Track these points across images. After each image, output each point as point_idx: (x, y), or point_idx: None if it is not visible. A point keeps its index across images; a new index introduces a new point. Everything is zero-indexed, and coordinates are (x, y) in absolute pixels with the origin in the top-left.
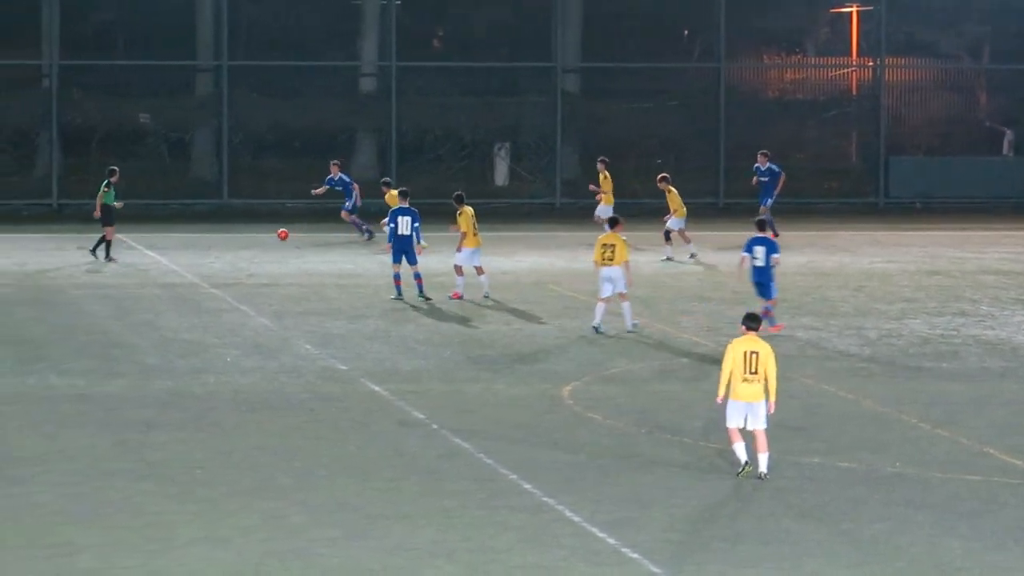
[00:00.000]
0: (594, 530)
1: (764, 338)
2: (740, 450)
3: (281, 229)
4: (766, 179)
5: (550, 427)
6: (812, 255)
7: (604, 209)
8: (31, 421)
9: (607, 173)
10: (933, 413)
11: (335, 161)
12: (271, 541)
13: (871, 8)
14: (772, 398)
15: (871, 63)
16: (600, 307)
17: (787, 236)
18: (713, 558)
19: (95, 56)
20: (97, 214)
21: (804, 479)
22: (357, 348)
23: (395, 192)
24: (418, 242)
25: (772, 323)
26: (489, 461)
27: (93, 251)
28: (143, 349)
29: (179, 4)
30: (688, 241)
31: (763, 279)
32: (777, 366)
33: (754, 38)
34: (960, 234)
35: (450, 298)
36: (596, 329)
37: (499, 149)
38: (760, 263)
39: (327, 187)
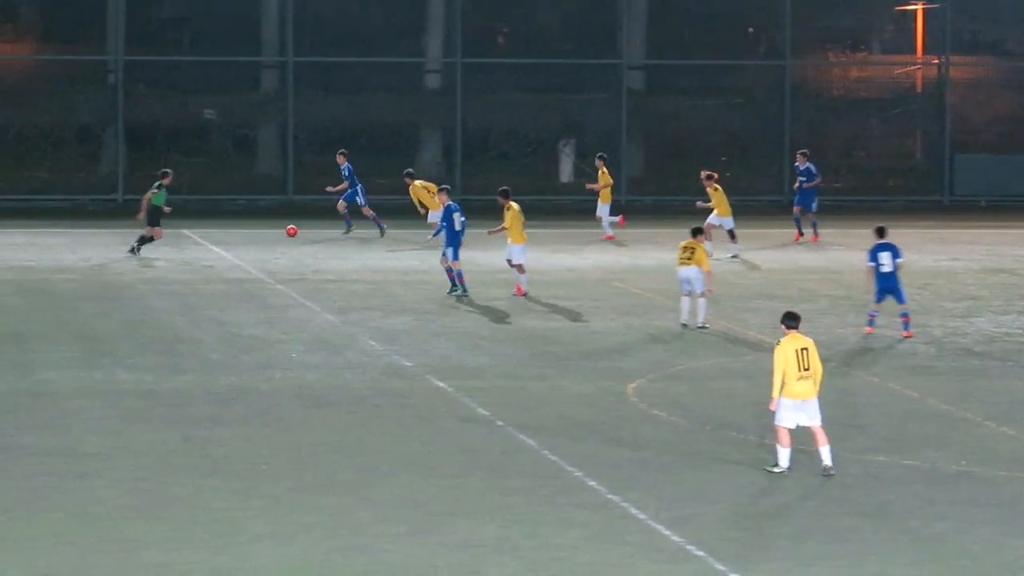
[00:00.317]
0: (658, 527)
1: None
2: (787, 456)
3: (290, 226)
4: (804, 179)
5: (615, 424)
6: None
7: (603, 207)
8: (97, 416)
9: (605, 170)
10: (998, 411)
11: (342, 151)
12: (335, 537)
13: (936, 6)
14: (817, 389)
15: (936, 61)
16: (684, 302)
17: (851, 234)
18: (776, 555)
19: (160, 52)
20: (141, 216)
21: (868, 477)
22: (422, 344)
23: (419, 184)
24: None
25: (907, 327)
26: (553, 458)
27: (134, 250)
28: (208, 345)
29: (244, 0)
30: (735, 240)
31: (891, 284)
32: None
33: (819, 36)
34: None
35: (514, 295)
36: (685, 326)
37: (564, 146)
38: (887, 269)
39: (346, 180)
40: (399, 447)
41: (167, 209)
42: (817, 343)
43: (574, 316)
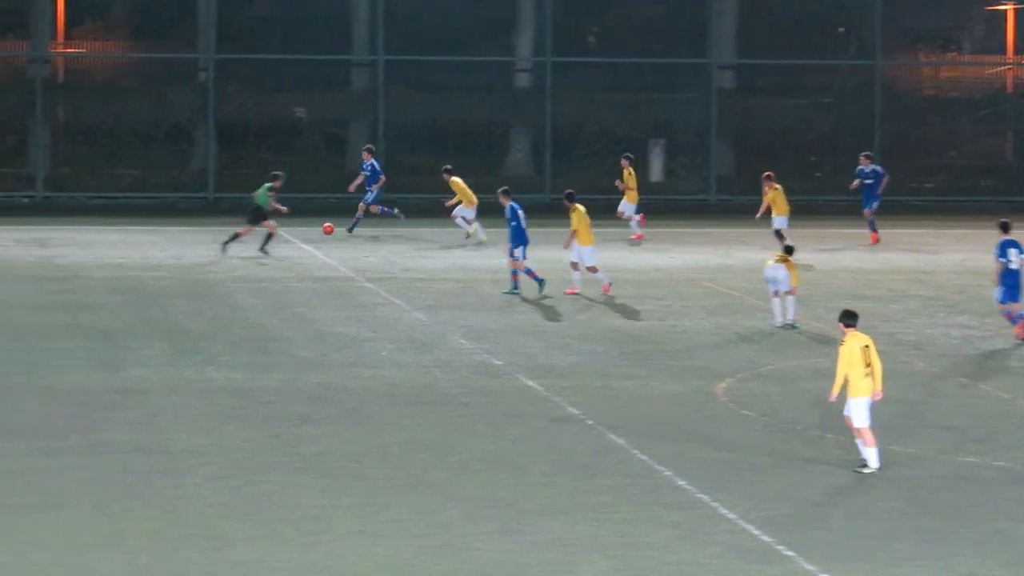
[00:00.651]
0: (748, 527)
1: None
2: (876, 455)
3: (326, 223)
4: (870, 181)
5: (704, 424)
6: (968, 253)
7: (628, 206)
8: (188, 414)
9: (632, 170)
10: None
11: (368, 146)
12: (425, 535)
13: None
14: (880, 386)
15: None
16: (775, 303)
17: (942, 235)
18: (866, 556)
19: (251, 50)
20: (276, 210)
21: (958, 478)
22: (511, 343)
23: (457, 180)
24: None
25: (1015, 322)
26: (643, 457)
27: (263, 248)
28: (298, 343)
29: None
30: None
31: (1016, 281)
32: None
33: (909, 36)
34: None
35: (566, 293)
36: (780, 326)
37: (654, 145)
38: (1015, 266)
39: (365, 174)
40: (489, 446)
41: (284, 209)
42: (907, 343)
43: (663, 315)
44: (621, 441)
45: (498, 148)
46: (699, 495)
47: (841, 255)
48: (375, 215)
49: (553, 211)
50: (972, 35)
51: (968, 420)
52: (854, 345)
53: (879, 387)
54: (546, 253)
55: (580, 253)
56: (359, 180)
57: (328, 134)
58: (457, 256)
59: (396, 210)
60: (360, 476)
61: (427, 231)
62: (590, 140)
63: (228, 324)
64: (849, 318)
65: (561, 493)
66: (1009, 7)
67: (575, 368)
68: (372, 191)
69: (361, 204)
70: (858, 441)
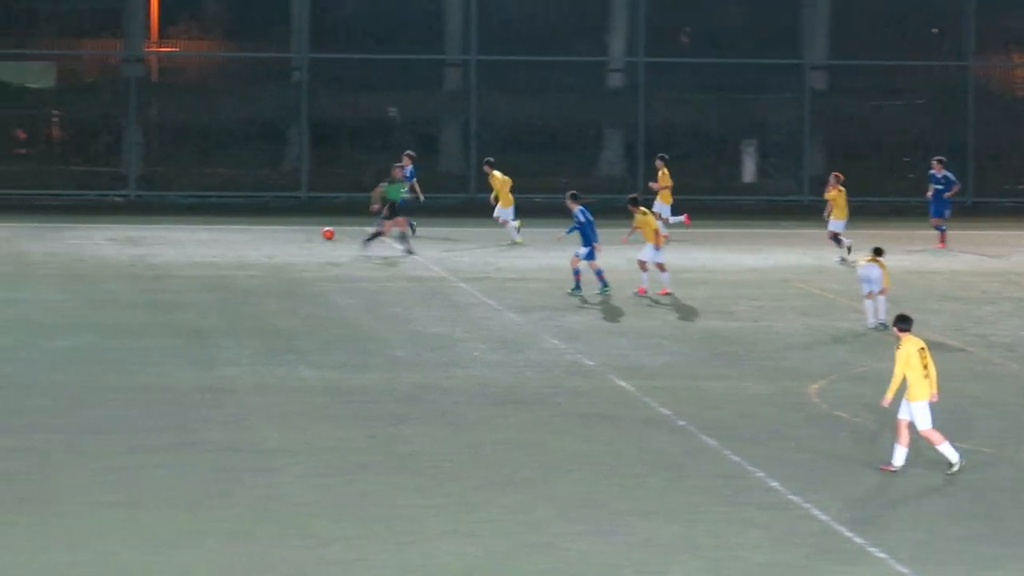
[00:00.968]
0: (840, 528)
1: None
2: (951, 449)
3: (327, 228)
4: (941, 187)
5: (797, 425)
6: None
7: (663, 206)
8: (282, 413)
9: (666, 171)
10: None
11: (409, 152)
12: (517, 535)
13: None
14: (936, 388)
15: None
16: (868, 305)
17: None
18: (957, 558)
19: (344, 50)
20: (375, 208)
21: None
22: (603, 343)
23: (498, 174)
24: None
25: None
26: (735, 458)
27: (409, 251)
28: (392, 342)
29: None
30: (840, 244)
31: None
32: None
33: (1003, 36)
34: None
35: (657, 293)
36: (873, 327)
37: (746, 146)
38: None
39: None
40: (581, 446)
41: (421, 197)
42: (1000, 346)
43: (755, 316)
44: (713, 442)
45: (590, 148)
46: (791, 496)
47: (933, 257)
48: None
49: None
50: None
51: None
52: (911, 348)
53: (935, 389)
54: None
55: (648, 252)
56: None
57: (420, 134)
58: (549, 256)
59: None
60: (453, 476)
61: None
62: (682, 140)
63: (321, 323)
64: (904, 322)
65: (653, 493)
66: None
67: (667, 368)
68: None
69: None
70: (940, 446)
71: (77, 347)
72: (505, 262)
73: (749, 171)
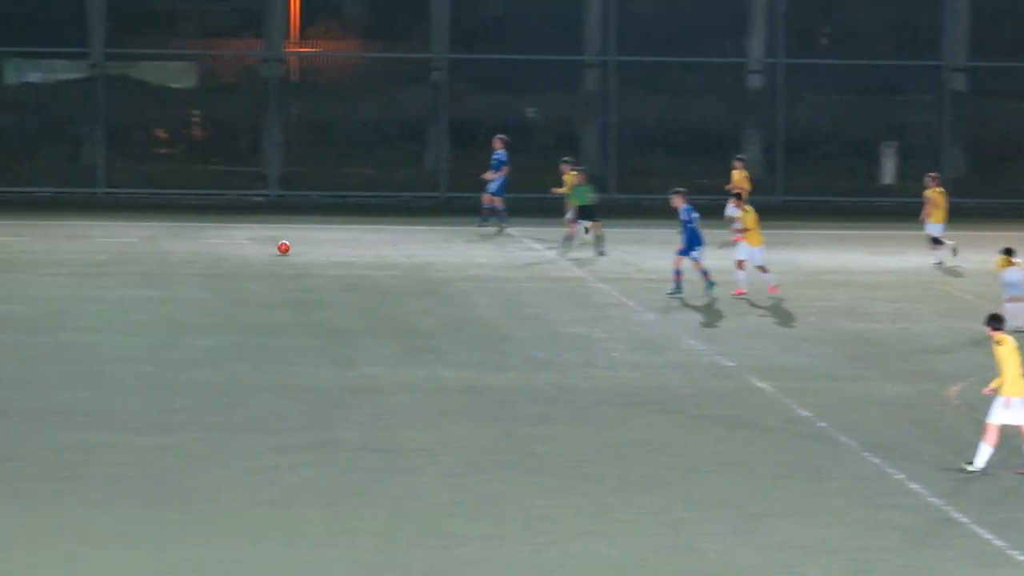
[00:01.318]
0: (981, 531)
1: None
2: (989, 455)
3: (282, 242)
4: None
5: (936, 427)
6: None
7: (734, 209)
8: (420, 412)
9: (745, 172)
10: None
11: (501, 136)
12: (656, 536)
13: None
14: None
15: None
16: (1008, 308)
17: None
18: None
19: (484, 50)
20: (570, 208)
21: None
22: (742, 344)
23: (575, 173)
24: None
25: None
26: (875, 460)
27: (601, 252)
28: (531, 342)
29: None
30: (941, 245)
31: None
32: None
33: None
34: None
35: (733, 295)
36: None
37: (886, 148)
38: None
39: (494, 169)
40: (719, 447)
41: (593, 199)
42: None
43: (893, 318)
44: (852, 443)
45: (730, 149)
46: (931, 499)
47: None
48: (494, 209)
49: (785, 213)
50: None
51: None
52: (1011, 345)
53: None
54: (776, 255)
55: (750, 253)
56: (494, 174)
57: (559, 134)
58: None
59: (504, 219)
60: (591, 476)
61: (658, 232)
62: (821, 142)
63: (460, 323)
64: (998, 321)
65: (792, 495)
66: None
67: (806, 370)
68: (493, 180)
69: (486, 195)
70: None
71: (219, 346)
72: (644, 263)
73: (888, 173)
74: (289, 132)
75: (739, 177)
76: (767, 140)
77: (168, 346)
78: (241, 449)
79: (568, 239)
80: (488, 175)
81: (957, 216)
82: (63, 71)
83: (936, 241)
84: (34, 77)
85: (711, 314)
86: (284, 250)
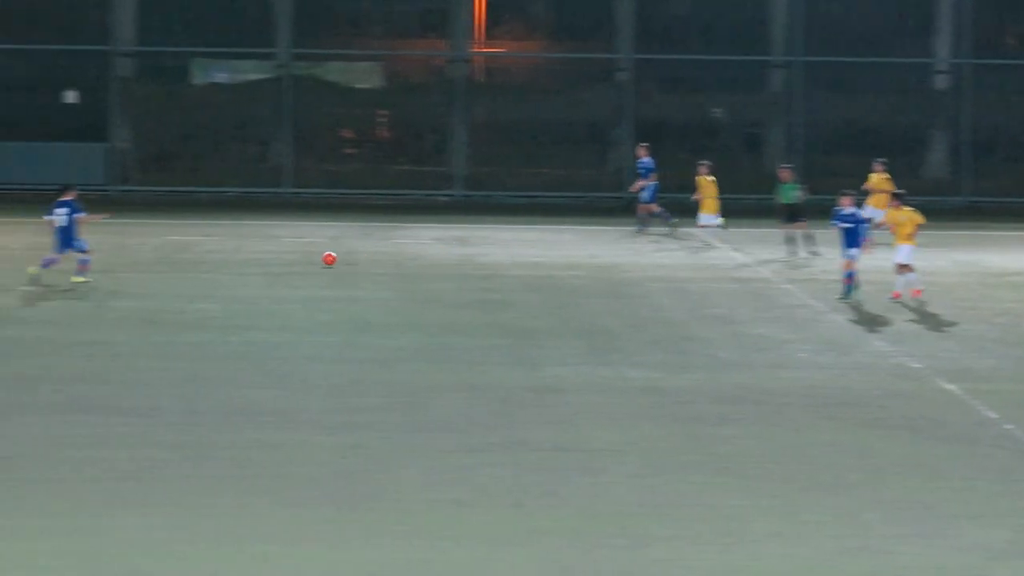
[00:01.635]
0: None
1: None
2: None
3: (328, 253)
4: None
5: None
6: None
7: (876, 212)
8: (606, 413)
9: (886, 175)
10: None
11: (644, 144)
12: (843, 537)
13: None
14: None
15: None
16: None
17: None
18: None
19: (669, 50)
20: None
21: None
22: (929, 346)
23: (711, 180)
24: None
25: None
26: None
27: (814, 252)
28: (716, 343)
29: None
30: None
31: None
32: None
33: None
34: None
35: (911, 296)
36: None
37: None
38: None
39: (643, 176)
40: (905, 449)
41: (801, 196)
42: None
43: None
44: None
45: (916, 151)
46: None
47: None
48: (652, 214)
49: (971, 214)
50: None
51: None
52: None
53: None
54: (963, 256)
55: (901, 252)
56: (640, 184)
57: (745, 135)
58: (874, 259)
59: (674, 219)
60: (778, 477)
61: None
62: (1009, 143)
63: (644, 323)
64: None
65: (981, 497)
66: None
67: (994, 372)
68: (645, 189)
69: (640, 204)
70: None
71: (405, 346)
72: (830, 264)
73: None
74: (474, 132)
75: (877, 180)
76: (953, 141)
77: (355, 346)
78: (427, 448)
79: (791, 240)
80: (637, 185)
81: None
82: (250, 71)
83: None
84: (221, 77)
85: (897, 315)
86: (330, 261)
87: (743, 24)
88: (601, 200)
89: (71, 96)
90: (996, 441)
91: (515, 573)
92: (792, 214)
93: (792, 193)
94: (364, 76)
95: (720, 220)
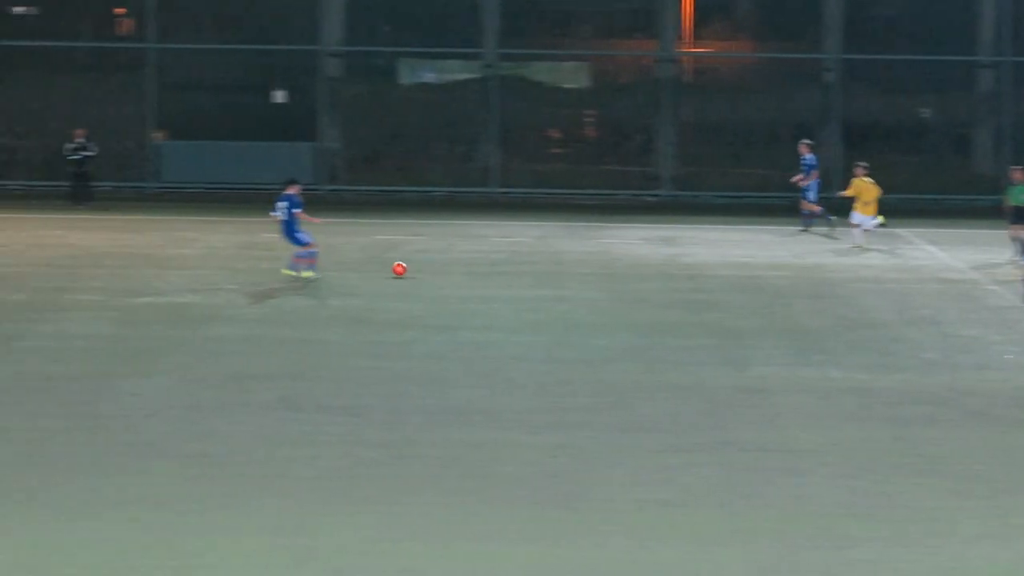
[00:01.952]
0: None
1: None
2: None
3: (398, 263)
4: None
5: None
6: None
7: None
8: (811, 414)
9: (871, 178)
10: None
11: (806, 141)
12: None
13: None
14: None
15: None
16: None
17: None
18: None
19: (877, 51)
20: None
21: None
22: None
23: (868, 181)
24: None
25: None
26: None
27: None
28: (923, 344)
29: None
30: None
31: None
32: None
33: None
34: None
35: None
36: None
37: None
38: None
39: (805, 174)
40: None
41: (803, 187)
42: None
43: None
44: None
45: None
46: None
47: None
48: (814, 214)
49: None
50: None
51: None
52: None
53: None
54: None
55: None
56: (800, 178)
57: (952, 135)
58: None
59: (833, 218)
60: (986, 479)
61: None
62: None
63: (850, 324)
64: None
65: None
66: None
67: None
68: (807, 186)
69: (803, 201)
70: None
71: (612, 346)
72: None
73: None
74: (682, 132)
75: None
76: None
77: (562, 345)
78: (634, 448)
79: (1018, 240)
80: (798, 179)
81: None
82: (457, 71)
83: None
84: (429, 77)
85: None
86: (400, 272)
87: (951, 24)
88: (780, 199)
89: (280, 96)
90: None
91: (719, 573)
92: (1021, 215)
93: (1021, 195)
94: (571, 76)
95: (878, 220)
